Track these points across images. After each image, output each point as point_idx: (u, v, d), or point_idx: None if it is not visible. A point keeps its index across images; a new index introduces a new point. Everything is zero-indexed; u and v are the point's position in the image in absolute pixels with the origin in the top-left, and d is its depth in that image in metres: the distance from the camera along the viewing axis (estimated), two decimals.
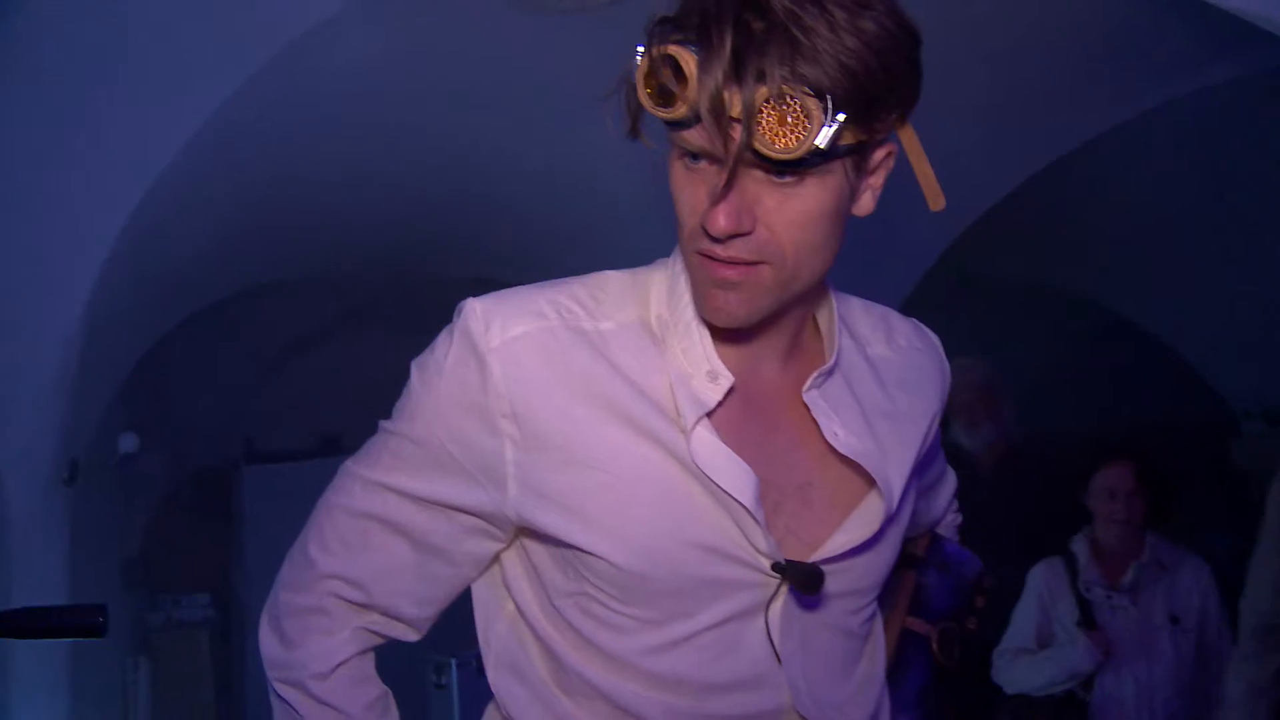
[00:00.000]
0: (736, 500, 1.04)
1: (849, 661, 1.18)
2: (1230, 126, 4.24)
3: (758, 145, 0.92)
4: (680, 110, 0.94)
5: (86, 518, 4.24)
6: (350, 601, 1.16)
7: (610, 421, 1.05)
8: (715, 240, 0.97)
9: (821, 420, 1.10)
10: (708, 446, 1.04)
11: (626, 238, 4.00)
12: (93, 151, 3.31)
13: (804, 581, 1.07)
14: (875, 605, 1.22)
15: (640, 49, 0.96)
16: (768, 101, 0.91)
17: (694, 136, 0.96)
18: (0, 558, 3.88)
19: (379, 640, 1.19)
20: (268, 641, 1.18)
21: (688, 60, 0.92)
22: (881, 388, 1.18)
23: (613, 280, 1.13)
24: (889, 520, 1.12)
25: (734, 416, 1.08)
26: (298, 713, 1.16)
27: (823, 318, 1.16)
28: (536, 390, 1.04)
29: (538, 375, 1.04)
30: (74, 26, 3.01)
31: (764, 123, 0.91)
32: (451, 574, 1.15)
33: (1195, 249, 5.28)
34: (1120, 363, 6.56)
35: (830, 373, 1.13)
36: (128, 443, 4.72)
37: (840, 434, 1.10)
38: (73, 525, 4.08)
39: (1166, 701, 3.08)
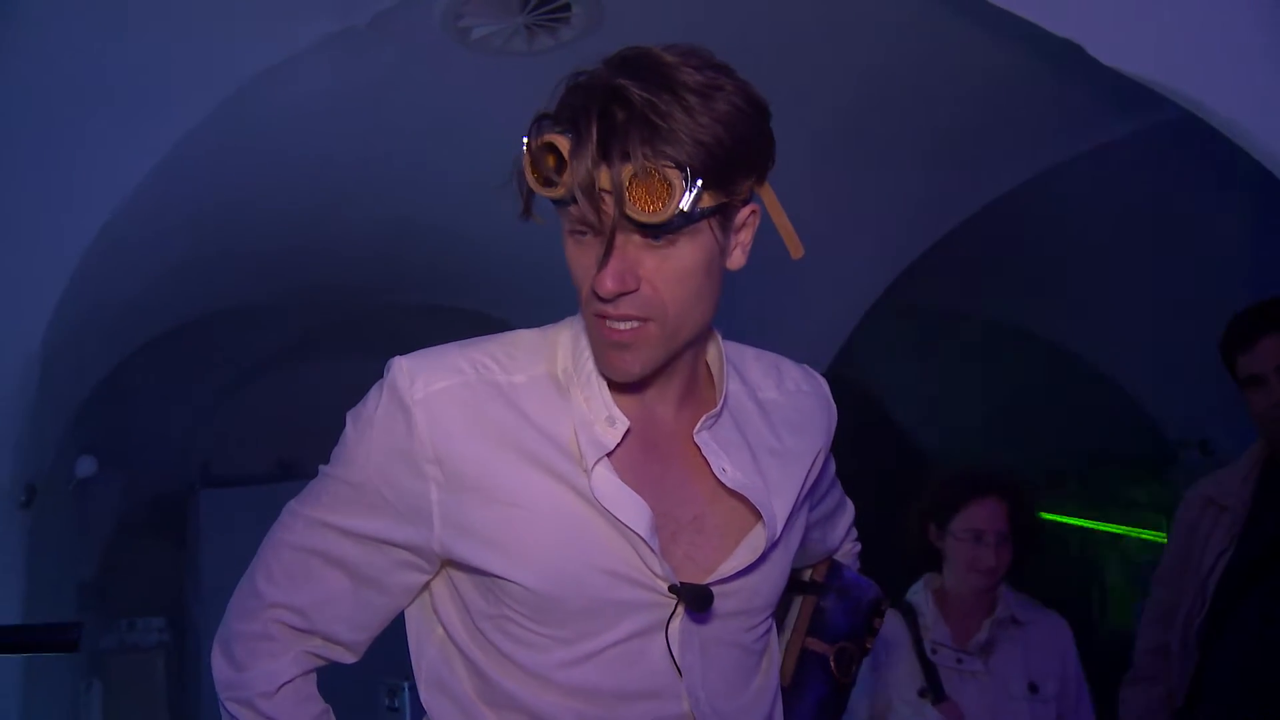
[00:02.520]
0: (633, 530, 1.18)
1: (745, 674, 1.31)
2: (1150, 172, 4.42)
3: (629, 213, 1.07)
4: (561, 191, 1.10)
5: (43, 541, 4.25)
6: (294, 628, 1.29)
7: (522, 463, 1.19)
8: (605, 301, 1.12)
9: (711, 459, 1.25)
10: (607, 484, 1.18)
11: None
12: (55, 180, 3.38)
13: (696, 601, 1.21)
14: (770, 623, 1.36)
15: (525, 141, 1.12)
16: (634, 176, 1.06)
17: (577, 212, 1.11)
18: None
19: (320, 662, 1.32)
20: (219, 665, 1.31)
21: (564, 147, 1.08)
22: (770, 428, 1.33)
23: (524, 338, 1.27)
24: (772, 546, 1.26)
25: (632, 457, 1.22)
26: None
27: (714, 366, 1.31)
28: (457, 437, 1.18)
29: (457, 424, 1.18)
30: (37, 62, 3.09)
31: (632, 194, 1.07)
32: (385, 602, 1.29)
33: (1132, 285, 5.45)
34: (1062, 394, 6.71)
35: (719, 415, 1.28)
36: (85, 466, 4.73)
37: (728, 470, 1.25)
38: (28, 549, 4.09)
39: None
